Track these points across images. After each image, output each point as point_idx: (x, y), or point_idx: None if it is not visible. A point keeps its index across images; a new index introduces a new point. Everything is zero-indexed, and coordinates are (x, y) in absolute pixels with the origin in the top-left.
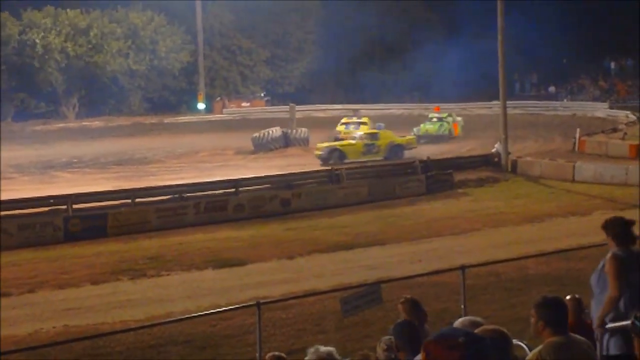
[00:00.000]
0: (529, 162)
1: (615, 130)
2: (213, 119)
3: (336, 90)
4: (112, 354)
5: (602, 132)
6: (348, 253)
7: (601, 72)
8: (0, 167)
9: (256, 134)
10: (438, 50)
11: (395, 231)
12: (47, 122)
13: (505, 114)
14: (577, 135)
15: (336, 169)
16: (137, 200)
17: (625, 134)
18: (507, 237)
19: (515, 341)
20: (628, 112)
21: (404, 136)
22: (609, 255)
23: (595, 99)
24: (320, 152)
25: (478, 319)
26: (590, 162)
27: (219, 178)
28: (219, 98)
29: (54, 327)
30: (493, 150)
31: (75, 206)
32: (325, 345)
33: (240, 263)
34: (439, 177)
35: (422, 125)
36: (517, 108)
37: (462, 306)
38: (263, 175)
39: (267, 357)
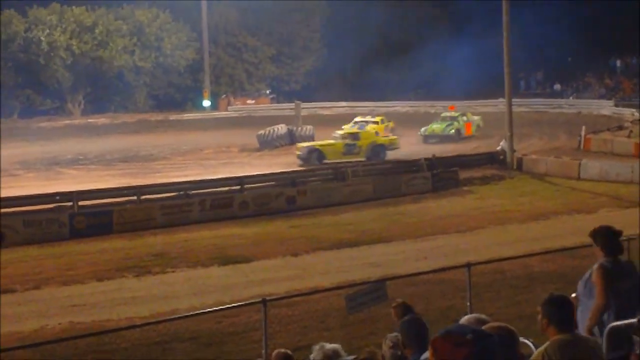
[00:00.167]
0: (534, 160)
1: (620, 128)
2: (218, 116)
3: (342, 87)
4: (117, 351)
5: (608, 130)
6: (353, 250)
7: (607, 70)
8: (0, 165)
9: (261, 132)
10: (444, 48)
11: (400, 229)
12: (52, 118)
13: (510, 112)
14: (583, 133)
15: (341, 167)
16: (143, 197)
17: (631, 131)
18: (512, 234)
19: (520, 339)
20: (633, 110)
21: (386, 136)
22: (596, 265)
23: (600, 97)
24: (299, 152)
25: (484, 316)
26: (596, 159)
27: (224, 175)
28: (224, 95)
29: (59, 324)
30: (498, 148)
31: (80, 203)
32: (331, 342)
33: (245, 260)
34: (445, 174)
35: (430, 125)
36: (523, 106)
37: (468, 303)
38: (268, 172)
39: (273, 354)
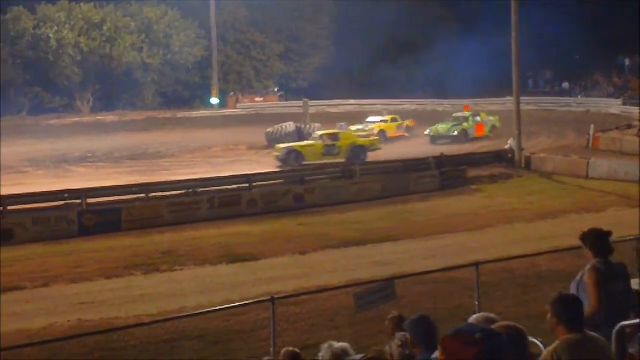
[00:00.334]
0: (542, 159)
1: (629, 126)
2: (226, 113)
3: (350, 85)
4: (125, 348)
5: (617, 128)
6: (361, 249)
7: (615, 68)
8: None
9: (270, 129)
10: (452, 46)
11: (408, 227)
12: (61, 116)
13: (519, 111)
14: (591, 132)
15: (350, 165)
16: (151, 195)
17: None
18: (520, 233)
19: (529, 338)
20: None
21: (367, 137)
22: (588, 266)
23: (609, 96)
24: (278, 154)
25: (493, 315)
26: (605, 158)
27: (232, 173)
28: (232, 93)
29: (68, 321)
30: (506, 146)
31: (89, 201)
32: (339, 340)
33: (253, 258)
34: (453, 173)
35: (435, 125)
36: (531, 104)
37: (476, 302)
38: (276, 170)
39: (282, 352)
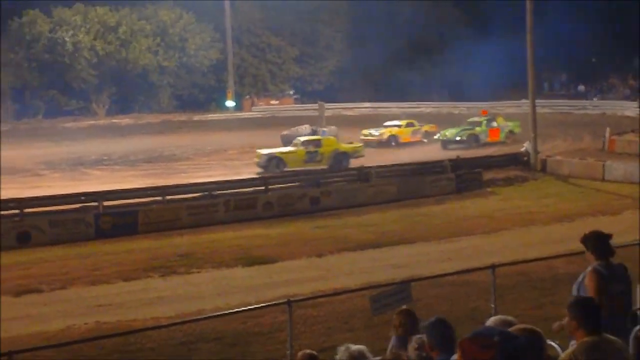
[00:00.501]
0: (558, 161)
1: None
2: (242, 116)
3: (365, 88)
4: (143, 351)
5: (632, 131)
6: (377, 251)
7: (631, 71)
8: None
9: (285, 132)
10: (468, 49)
11: (424, 230)
12: (77, 119)
13: (534, 113)
14: (607, 135)
15: (365, 167)
16: (167, 197)
17: None
18: (536, 236)
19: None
20: None
21: (350, 143)
22: (589, 269)
23: (625, 98)
24: (258, 160)
25: (510, 318)
26: (620, 161)
27: (248, 176)
28: (247, 96)
29: (85, 324)
30: (522, 149)
31: (105, 203)
32: (356, 343)
33: (270, 261)
34: (468, 176)
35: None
36: (546, 107)
37: (492, 305)
38: (292, 173)
39: (299, 354)
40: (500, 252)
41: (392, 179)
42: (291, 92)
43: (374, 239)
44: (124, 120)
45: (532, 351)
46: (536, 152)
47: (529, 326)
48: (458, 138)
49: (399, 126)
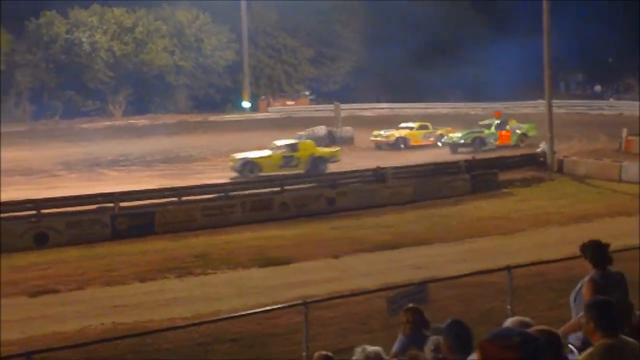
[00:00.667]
0: (574, 162)
1: None
2: (258, 117)
3: (381, 89)
4: (159, 351)
5: None
6: (393, 252)
7: None
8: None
9: (302, 133)
10: (485, 49)
11: (440, 231)
12: (94, 119)
13: (550, 113)
14: (624, 135)
15: (382, 168)
16: (184, 198)
17: None
18: (553, 237)
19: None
20: None
21: (327, 146)
22: (586, 278)
23: None
24: (233, 164)
25: (527, 319)
26: (637, 162)
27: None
28: (263, 96)
29: (101, 324)
30: (538, 149)
31: (122, 204)
32: (372, 344)
33: (286, 262)
34: (484, 176)
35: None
36: (563, 107)
37: (508, 306)
38: (308, 174)
39: (315, 356)
40: (516, 252)
41: (408, 179)
42: (307, 93)
43: (390, 239)
44: (141, 121)
45: (550, 352)
46: (553, 152)
47: (546, 327)
48: (462, 141)
49: (410, 128)
